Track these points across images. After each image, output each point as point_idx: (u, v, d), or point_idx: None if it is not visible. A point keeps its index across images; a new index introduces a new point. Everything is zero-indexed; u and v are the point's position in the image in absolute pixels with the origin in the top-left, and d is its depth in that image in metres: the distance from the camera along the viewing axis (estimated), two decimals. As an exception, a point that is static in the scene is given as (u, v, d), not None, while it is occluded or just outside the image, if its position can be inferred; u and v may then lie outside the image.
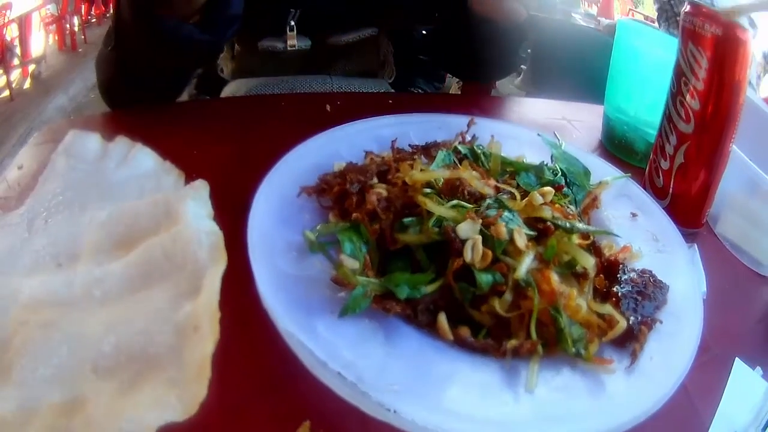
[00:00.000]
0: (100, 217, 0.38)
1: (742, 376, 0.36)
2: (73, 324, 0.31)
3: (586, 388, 0.28)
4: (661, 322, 0.32)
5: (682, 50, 0.42)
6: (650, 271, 0.35)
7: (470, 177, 0.33)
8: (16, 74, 2.32)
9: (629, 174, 0.42)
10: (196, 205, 0.38)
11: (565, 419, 0.27)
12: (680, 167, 0.43)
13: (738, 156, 0.43)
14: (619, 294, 0.32)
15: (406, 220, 0.32)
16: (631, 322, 0.31)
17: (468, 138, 0.42)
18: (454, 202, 0.32)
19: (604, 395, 0.28)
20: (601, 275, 0.33)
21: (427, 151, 0.39)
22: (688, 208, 0.44)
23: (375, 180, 0.35)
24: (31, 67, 2.39)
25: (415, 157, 0.37)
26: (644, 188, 0.44)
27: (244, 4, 0.49)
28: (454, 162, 0.37)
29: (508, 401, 0.27)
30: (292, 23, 0.60)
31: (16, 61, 2.32)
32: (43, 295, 0.32)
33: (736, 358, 0.36)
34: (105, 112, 0.56)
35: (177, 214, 0.37)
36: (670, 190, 0.44)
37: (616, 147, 0.55)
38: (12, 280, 0.33)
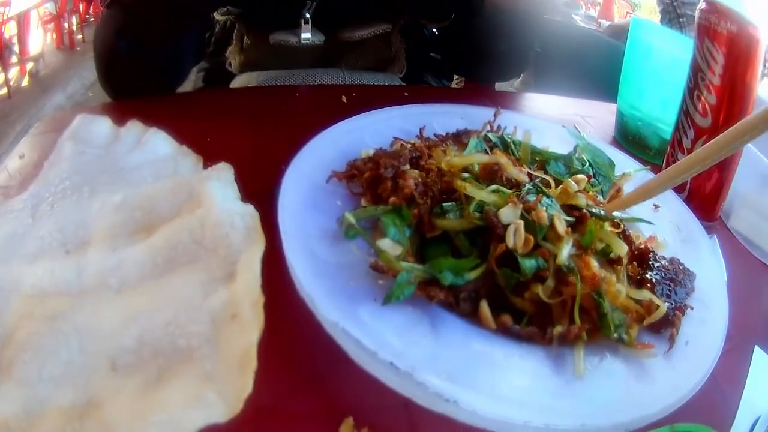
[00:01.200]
0: (113, 201, 0.34)
1: (762, 363, 0.35)
2: (85, 316, 0.27)
3: (630, 374, 0.27)
4: (692, 308, 0.31)
5: (698, 46, 0.41)
6: (678, 259, 0.34)
7: (507, 162, 0.31)
8: (14, 72, 2.24)
9: (649, 167, 0.40)
10: (221, 187, 0.34)
11: (614, 404, 0.25)
12: (698, 160, 0.42)
13: (751, 151, 0.43)
14: (654, 280, 0.31)
15: (446, 205, 0.29)
16: (666, 308, 0.30)
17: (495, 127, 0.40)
18: (494, 186, 0.30)
19: (648, 379, 0.27)
20: (634, 263, 0.32)
21: (458, 138, 0.37)
22: (704, 201, 0.43)
23: (407, 166, 0.33)
24: (29, 65, 2.31)
25: (447, 143, 0.35)
26: (662, 181, 0.42)
27: None
28: (485, 149, 0.35)
29: (559, 387, 0.25)
30: (308, 16, 0.57)
31: (14, 59, 2.24)
32: (50, 284, 0.28)
33: (756, 346, 0.35)
34: (109, 102, 0.52)
35: (200, 197, 0.33)
36: (688, 183, 0.43)
37: (630, 143, 0.53)
38: (13, 268, 0.29)
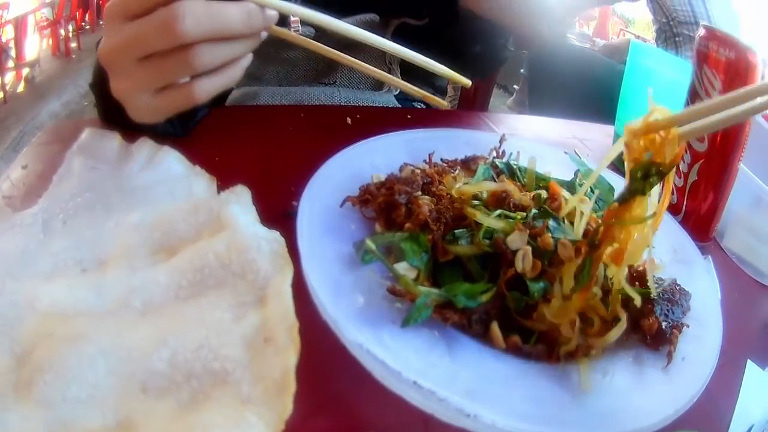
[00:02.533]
0: (129, 221, 0.35)
1: (754, 376, 0.37)
2: (110, 337, 0.27)
3: (632, 388, 0.29)
4: (688, 326, 0.33)
5: (697, 72, 0.43)
6: (675, 280, 0.36)
7: (514, 189, 0.33)
8: (10, 77, 2.24)
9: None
10: (242, 211, 0.35)
11: (617, 416, 0.27)
12: (693, 185, 0.45)
13: (744, 173, 0.45)
14: (654, 299, 0.33)
15: (458, 231, 0.32)
16: (664, 326, 0.32)
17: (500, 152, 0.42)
18: (499, 212, 0.32)
19: (647, 393, 0.29)
20: (636, 284, 0.34)
21: (466, 164, 0.39)
22: (698, 223, 0.45)
23: (419, 192, 0.35)
24: (25, 71, 2.32)
25: (456, 170, 0.37)
26: (658, 204, 0.45)
27: None
28: (492, 176, 0.37)
29: (567, 401, 0.27)
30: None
31: (10, 64, 2.24)
32: (68, 303, 0.29)
33: (748, 360, 0.37)
34: None
35: (221, 220, 0.34)
36: (684, 206, 0.46)
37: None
38: (26, 285, 0.29)
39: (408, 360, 0.26)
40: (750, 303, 0.44)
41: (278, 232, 0.33)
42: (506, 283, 0.30)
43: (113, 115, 0.46)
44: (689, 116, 0.27)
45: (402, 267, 0.30)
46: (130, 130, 0.46)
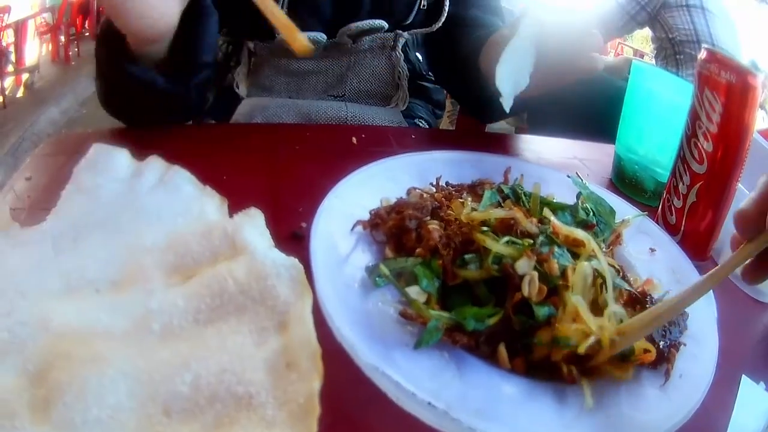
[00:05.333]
0: (142, 242, 0.35)
1: (749, 391, 0.39)
2: (129, 359, 0.28)
3: (631, 405, 0.31)
4: (685, 345, 0.36)
5: (698, 95, 0.45)
6: (673, 301, 0.38)
7: (521, 217, 0.35)
8: (9, 81, 2.26)
9: (646, 213, 0.45)
10: (257, 234, 0.36)
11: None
12: (692, 205, 0.47)
13: (742, 193, 0.47)
14: None
15: (467, 256, 0.34)
16: (662, 346, 0.34)
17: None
18: (507, 238, 0.34)
19: (646, 410, 0.31)
20: (638, 306, 0.36)
21: (473, 189, 0.41)
22: (697, 243, 0.47)
23: (428, 217, 0.38)
24: (25, 76, 2.34)
25: (464, 195, 0.40)
26: (658, 225, 0.47)
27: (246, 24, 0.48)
28: (498, 201, 0.40)
29: (571, 419, 0.29)
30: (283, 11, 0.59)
31: (10, 68, 2.26)
32: (82, 324, 0.29)
33: (743, 375, 0.39)
34: (117, 127, 0.53)
35: (237, 244, 0.35)
36: (682, 227, 0.48)
37: (626, 185, 0.57)
38: (37, 304, 0.30)
39: (421, 381, 0.28)
40: (746, 320, 0.46)
41: (296, 259, 0.35)
42: (513, 306, 0.32)
43: (115, 95, 0.49)
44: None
45: (413, 291, 0.33)
46: (130, 110, 0.49)
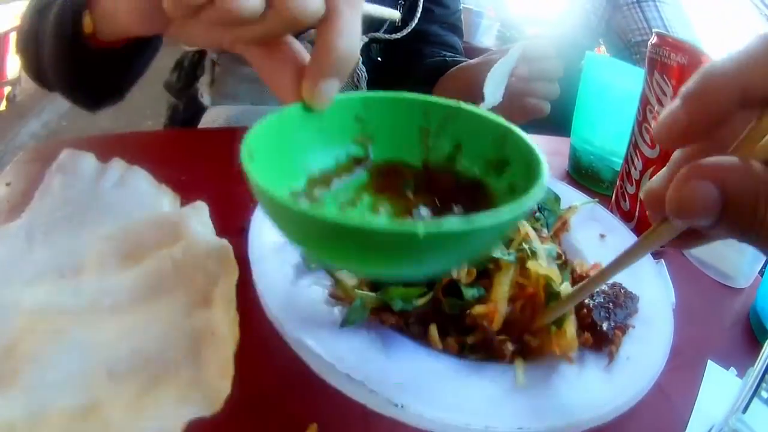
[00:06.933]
0: (102, 232, 0.40)
1: (715, 375, 0.39)
2: (83, 331, 0.32)
3: (569, 385, 0.31)
4: (633, 327, 0.35)
5: (648, 80, 0.46)
6: (620, 284, 0.38)
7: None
8: (-8, 95, 2.29)
9: (597, 200, 0.46)
10: (199, 223, 0.40)
11: (551, 411, 0.29)
12: (645, 191, 0.47)
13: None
14: (591, 305, 0.35)
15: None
16: (605, 328, 0.34)
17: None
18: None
19: (585, 390, 0.31)
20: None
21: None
22: (652, 228, 0.47)
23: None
24: (7, 90, 2.31)
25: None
26: (611, 212, 0.47)
27: None
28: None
29: (500, 397, 0.29)
30: None
31: (-7, 81, 2.29)
32: (49, 304, 0.33)
33: (709, 360, 0.39)
34: (89, 135, 0.56)
35: (180, 232, 0.39)
36: (636, 213, 0.48)
37: (583, 176, 0.58)
38: (12, 289, 0.34)
39: (343, 356, 0.28)
40: (712, 305, 0.45)
41: (227, 240, 0.37)
42: (443, 289, 0.33)
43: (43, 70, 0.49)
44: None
45: (344, 274, 0.34)
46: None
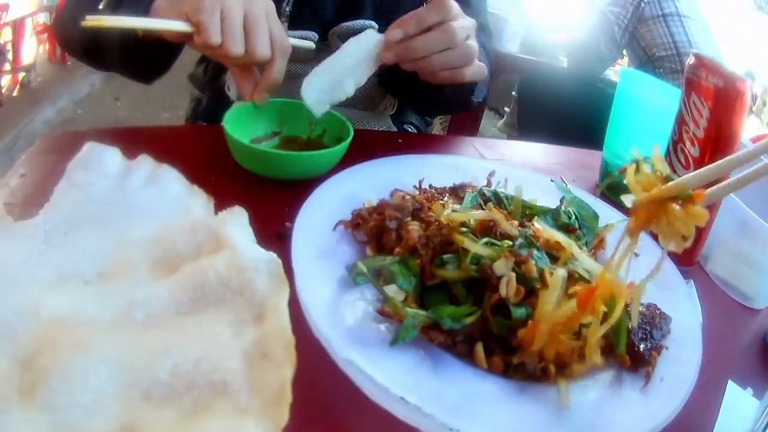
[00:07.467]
0: (131, 236, 0.37)
1: (735, 395, 0.40)
2: (113, 347, 0.29)
3: (609, 405, 0.32)
4: (667, 348, 0.36)
5: (685, 100, 0.46)
6: (655, 305, 0.39)
7: (501, 218, 0.36)
8: (6, 80, 2.28)
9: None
10: (240, 232, 0.38)
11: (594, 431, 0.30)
12: (678, 211, 0.47)
13: (729, 198, 0.48)
14: (630, 327, 0.36)
15: (445, 256, 0.35)
16: (642, 349, 0.35)
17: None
18: (486, 240, 0.35)
19: (624, 410, 0.32)
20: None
21: (455, 192, 0.42)
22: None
23: (409, 218, 0.39)
24: (21, 75, 2.35)
25: (446, 197, 0.41)
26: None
27: None
28: (480, 204, 0.40)
29: (547, 417, 0.30)
30: (288, 10, 0.61)
31: (7, 66, 2.28)
32: (70, 313, 0.31)
33: (729, 380, 0.40)
34: (110, 127, 0.56)
35: (220, 240, 0.37)
36: (668, 233, 0.48)
37: (614, 191, 0.58)
38: (29, 293, 0.31)
39: (395, 377, 0.29)
40: (733, 325, 0.47)
41: (275, 254, 0.36)
42: (491, 307, 0.33)
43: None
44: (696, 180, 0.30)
45: (391, 289, 0.34)
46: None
